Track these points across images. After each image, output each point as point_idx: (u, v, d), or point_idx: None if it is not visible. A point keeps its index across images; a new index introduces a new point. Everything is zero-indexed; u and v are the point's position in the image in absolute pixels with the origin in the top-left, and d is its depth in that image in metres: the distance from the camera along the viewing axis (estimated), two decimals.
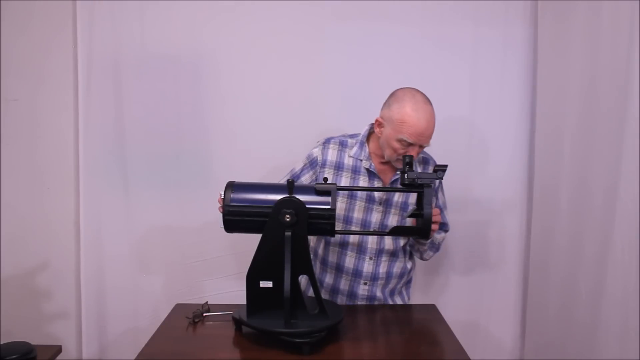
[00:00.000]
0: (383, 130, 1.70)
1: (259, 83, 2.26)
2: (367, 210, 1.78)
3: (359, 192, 1.77)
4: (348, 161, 1.78)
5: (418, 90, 1.68)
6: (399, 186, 1.58)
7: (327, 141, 1.82)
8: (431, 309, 1.78)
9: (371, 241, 1.80)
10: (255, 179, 1.63)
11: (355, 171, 1.77)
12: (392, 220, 1.78)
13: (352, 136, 1.83)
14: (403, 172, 1.53)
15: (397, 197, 1.79)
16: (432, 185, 1.52)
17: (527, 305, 2.30)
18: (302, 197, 1.47)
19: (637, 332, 1.57)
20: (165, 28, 2.23)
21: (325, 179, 1.56)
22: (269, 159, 2.25)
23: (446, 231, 1.90)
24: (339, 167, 1.78)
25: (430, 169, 1.80)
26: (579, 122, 1.93)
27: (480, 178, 2.30)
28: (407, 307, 1.86)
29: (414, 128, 1.62)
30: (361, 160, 1.77)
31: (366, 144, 1.79)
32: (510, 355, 2.39)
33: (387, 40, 2.24)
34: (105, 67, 2.23)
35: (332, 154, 1.79)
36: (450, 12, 2.24)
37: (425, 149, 1.81)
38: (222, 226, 1.53)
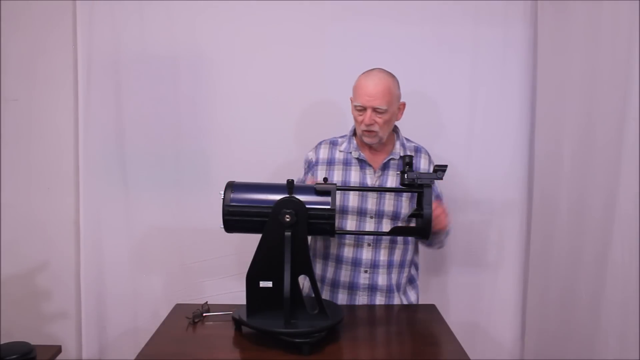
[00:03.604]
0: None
1: (259, 83, 2.26)
2: (362, 196, 1.80)
3: (352, 180, 1.81)
4: (339, 156, 1.85)
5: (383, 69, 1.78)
6: (400, 186, 1.59)
7: (319, 144, 1.90)
8: (431, 309, 1.78)
9: (368, 228, 1.80)
10: (255, 179, 1.62)
11: (346, 163, 1.84)
12: (389, 205, 1.80)
13: (343, 136, 1.90)
14: (403, 172, 1.54)
15: (391, 181, 1.82)
16: (432, 185, 1.53)
17: (527, 306, 2.30)
18: (302, 197, 1.47)
19: (637, 332, 1.57)
20: (165, 28, 2.23)
21: (325, 179, 1.57)
22: (269, 159, 2.25)
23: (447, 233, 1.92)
24: (330, 163, 1.85)
25: (422, 159, 1.85)
26: (579, 122, 1.93)
27: (480, 178, 2.30)
28: (407, 307, 1.85)
29: (363, 90, 1.72)
30: (350, 152, 1.83)
31: (353, 137, 1.86)
32: (510, 355, 2.39)
33: (387, 40, 2.24)
34: (105, 67, 2.23)
35: (323, 153, 1.87)
36: (450, 12, 2.24)
37: (419, 143, 1.88)
38: (222, 226, 1.53)
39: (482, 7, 2.24)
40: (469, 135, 2.29)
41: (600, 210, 1.77)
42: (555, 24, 2.10)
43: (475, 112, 2.28)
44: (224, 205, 1.50)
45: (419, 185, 1.52)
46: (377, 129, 1.73)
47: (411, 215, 1.62)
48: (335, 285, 1.84)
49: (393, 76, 1.77)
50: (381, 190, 1.78)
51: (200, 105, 2.28)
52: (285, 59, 2.26)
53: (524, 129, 2.29)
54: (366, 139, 1.78)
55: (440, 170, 1.51)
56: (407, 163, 1.54)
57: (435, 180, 1.76)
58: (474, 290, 2.37)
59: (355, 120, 1.77)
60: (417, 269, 1.94)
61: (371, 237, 1.81)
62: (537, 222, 2.23)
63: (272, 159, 2.25)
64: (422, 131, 2.20)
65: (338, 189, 1.57)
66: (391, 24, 2.24)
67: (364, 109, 1.72)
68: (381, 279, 1.82)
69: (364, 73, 1.76)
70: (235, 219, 1.51)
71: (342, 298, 1.83)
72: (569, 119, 1.98)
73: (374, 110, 1.71)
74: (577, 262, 1.89)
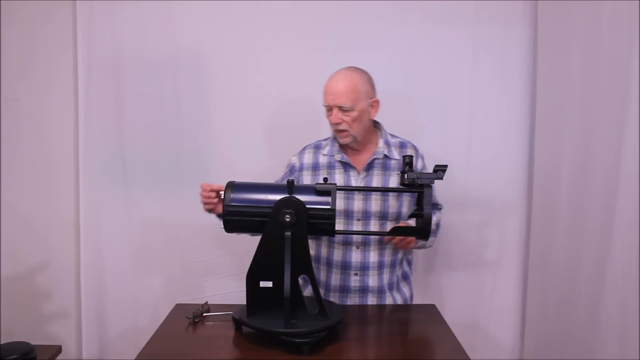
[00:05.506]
0: None
1: (259, 83, 2.26)
2: (348, 198, 1.79)
3: (337, 184, 1.77)
4: (323, 160, 1.83)
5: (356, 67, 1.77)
6: (399, 186, 1.59)
7: (303, 149, 1.89)
8: (431, 309, 1.78)
9: (356, 229, 1.79)
10: (255, 179, 1.63)
11: (330, 167, 1.82)
12: (375, 205, 1.79)
13: (326, 139, 1.88)
14: (403, 172, 1.54)
15: (376, 181, 1.80)
16: (432, 185, 1.53)
17: (527, 306, 2.30)
18: (302, 197, 1.47)
19: (637, 332, 1.57)
20: (165, 28, 2.23)
21: (325, 179, 1.56)
22: (269, 158, 2.25)
23: (439, 209, 1.93)
24: (315, 168, 1.84)
25: (408, 153, 1.82)
26: (579, 122, 1.93)
27: (480, 178, 2.30)
28: (407, 307, 1.86)
29: (327, 89, 1.72)
30: (333, 155, 1.82)
31: (335, 140, 1.84)
32: (510, 355, 2.39)
33: (387, 40, 2.24)
34: (105, 67, 2.23)
35: (307, 158, 1.85)
36: (450, 12, 2.24)
37: (409, 139, 1.87)
38: (222, 226, 1.53)
39: (482, 7, 2.24)
40: (469, 135, 2.29)
41: (600, 210, 1.77)
42: (555, 24, 2.10)
43: (475, 112, 2.28)
44: (224, 205, 1.50)
45: (419, 185, 1.52)
46: (346, 128, 1.72)
47: (411, 215, 1.62)
48: (327, 288, 1.85)
49: (362, 73, 1.74)
50: (381, 190, 1.77)
51: (200, 105, 2.28)
52: (285, 58, 2.25)
53: (524, 129, 2.29)
54: (340, 139, 1.77)
55: (440, 170, 1.50)
56: (407, 163, 1.54)
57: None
58: (474, 290, 2.37)
59: (329, 121, 1.76)
60: (410, 264, 1.94)
61: (359, 239, 1.80)
62: (537, 222, 2.23)
63: (273, 159, 2.24)
64: (422, 131, 2.21)
65: (338, 189, 1.57)
66: (391, 24, 2.24)
67: (331, 108, 1.71)
68: (372, 281, 1.81)
69: (333, 74, 1.74)
70: (236, 219, 1.51)
71: (333, 301, 1.82)
72: (568, 119, 1.98)
73: (340, 108, 1.70)
74: (577, 262, 1.89)
